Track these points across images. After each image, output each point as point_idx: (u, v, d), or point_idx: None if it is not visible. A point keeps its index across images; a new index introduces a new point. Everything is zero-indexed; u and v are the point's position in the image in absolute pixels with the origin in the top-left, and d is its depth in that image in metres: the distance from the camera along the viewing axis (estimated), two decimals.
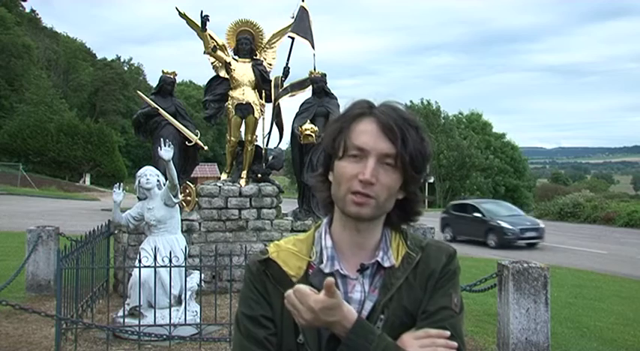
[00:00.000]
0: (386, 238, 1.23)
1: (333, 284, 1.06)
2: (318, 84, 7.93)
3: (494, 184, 44.95)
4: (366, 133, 1.14)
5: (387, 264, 1.19)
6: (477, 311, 6.69)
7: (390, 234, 1.24)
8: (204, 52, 7.66)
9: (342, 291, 1.17)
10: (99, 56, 62.23)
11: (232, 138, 7.87)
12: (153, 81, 54.66)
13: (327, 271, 1.18)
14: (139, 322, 5.10)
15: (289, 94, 8.00)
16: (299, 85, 8.08)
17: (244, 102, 7.67)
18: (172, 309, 5.21)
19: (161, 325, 5.09)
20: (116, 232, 7.23)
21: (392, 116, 1.15)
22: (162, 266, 5.18)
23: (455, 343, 1.12)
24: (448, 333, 1.13)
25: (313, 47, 7.94)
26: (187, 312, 5.33)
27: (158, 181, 5.67)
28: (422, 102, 46.77)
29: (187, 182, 7.55)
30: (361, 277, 1.19)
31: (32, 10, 56.43)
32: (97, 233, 6.12)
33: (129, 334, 5.08)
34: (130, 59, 64.43)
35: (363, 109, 1.18)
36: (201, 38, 7.52)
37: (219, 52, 7.65)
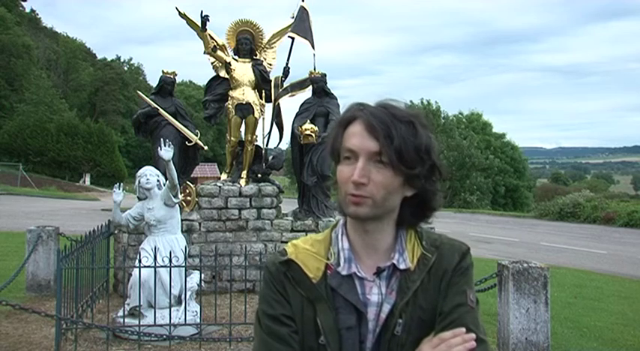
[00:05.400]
0: (401, 239, 1.22)
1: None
2: (318, 84, 7.92)
3: (494, 184, 44.90)
4: (355, 135, 1.16)
5: (402, 266, 1.19)
6: None
7: (405, 234, 1.23)
8: (204, 52, 7.67)
9: (360, 293, 1.18)
10: (101, 56, 62.32)
11: (232, 138, 7.87)
12: (153, 81, 54.65)
13: (344, 273, 1.18)
14: (139, 322, 5.10)
15: (289, 94, 8.00)
16: (299, 85, 8.07)
17: (244, 102, 7.67)
18: (172, 309, 5.22)
19: (161, 325, 5.09)
20: (116, 232, 7.23)
21: (378, 115, 1.15)
22: (162, 266, 5.18)
23: (472, 335, 1.12)
24: (463, 329, 1.13)
25: (313, 47, 7.94)
26: (187, 312, 5.33)
27: (158, 181, 5.67)
28: (422, 102, 46.73)
29: (187, 182, 7.54)
30: (378, 280, 1.19)
31: (32, 10, 56.58)
32: (97, 233, 6.11)
33: (129, 334, 5.09)
34: (130, 59, 64.37)
35: (353, 112, 1.19)
36: (201, 38, 7.52)
37: (219, 52, 7.65)
